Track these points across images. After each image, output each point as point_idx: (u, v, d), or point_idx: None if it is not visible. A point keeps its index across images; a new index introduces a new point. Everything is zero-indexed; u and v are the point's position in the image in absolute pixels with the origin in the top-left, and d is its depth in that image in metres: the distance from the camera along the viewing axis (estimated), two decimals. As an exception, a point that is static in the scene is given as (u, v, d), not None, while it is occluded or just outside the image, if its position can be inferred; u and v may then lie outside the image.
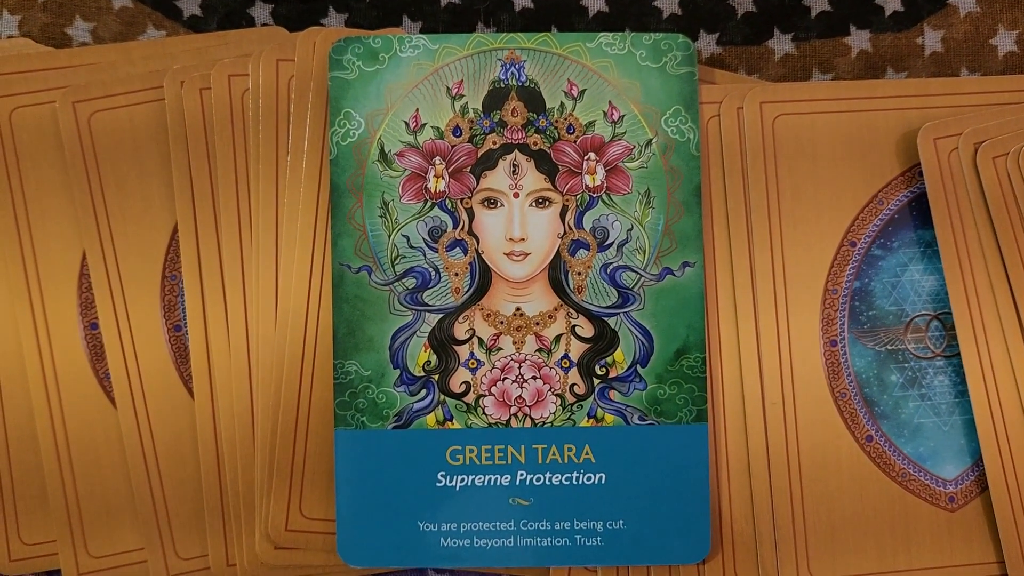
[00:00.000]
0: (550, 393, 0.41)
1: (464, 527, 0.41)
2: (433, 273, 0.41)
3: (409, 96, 0.41)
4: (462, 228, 0.41)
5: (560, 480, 0.41)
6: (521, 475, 0.41)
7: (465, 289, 0.41)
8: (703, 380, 0.41)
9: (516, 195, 0.41)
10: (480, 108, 0.42)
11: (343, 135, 0.41)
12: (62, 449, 0.42)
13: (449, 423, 0.41)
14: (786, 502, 0.42)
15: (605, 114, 0.42)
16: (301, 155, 0.42)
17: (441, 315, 0.41)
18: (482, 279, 0.41)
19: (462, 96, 0.42)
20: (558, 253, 0.41)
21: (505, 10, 0.45)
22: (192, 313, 0.42)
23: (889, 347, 0.43)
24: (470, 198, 0.41)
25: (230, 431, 0.42)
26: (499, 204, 0.41)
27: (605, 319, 0.41)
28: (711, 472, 0.42)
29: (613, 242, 0.42)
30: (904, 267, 0.43)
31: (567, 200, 0.41)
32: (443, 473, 0.41)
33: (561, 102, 0.42)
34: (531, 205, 0.41)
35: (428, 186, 0.41)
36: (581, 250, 0.42)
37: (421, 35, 0.42)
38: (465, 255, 0.41)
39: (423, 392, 0.41)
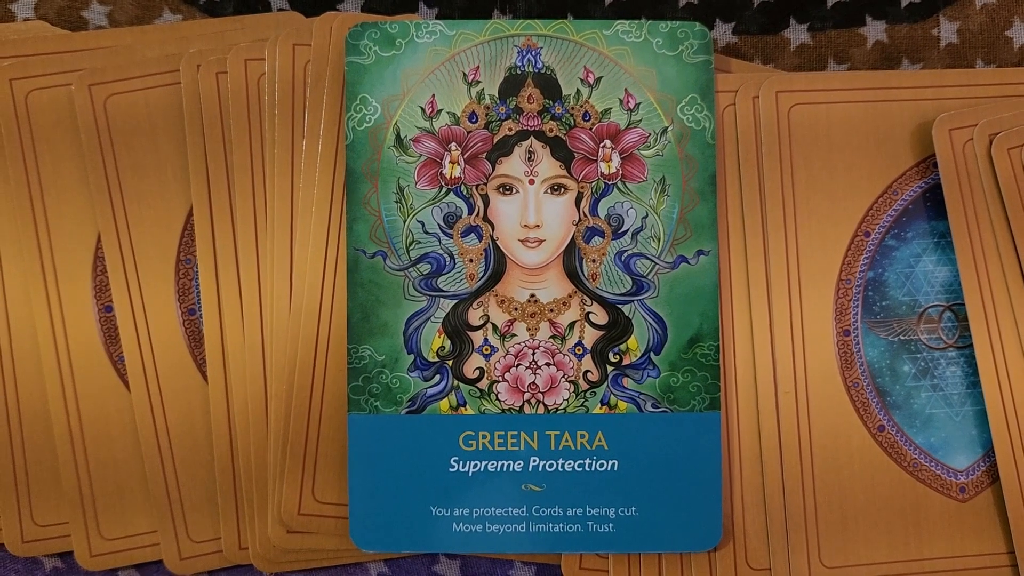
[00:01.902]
0: (563, 380, 0.41)
1: (476, 513, 0.41)
2: (448, 259, 0.41)
3: (425, 82, 0.41)
4: (477, 214, 0.41)
5: (573, 467, 0.41)
6: (534, 461, 0.41)
7: (480, 275, 0.41)
8: (716, 368, 0.41)
9: (531, 182, 0.41)
10: (496, 94, 0.42)
11: (359, 120, 0.41)
12: (75, 432, 0.42)
13: (462, 409, 0.41)
14: (798, 491, 0.42)
15: (621, 101, 0.42)
16: (317, 140, 0.42)
17: (455, 301, 0.41)
18: (497, 265, 0.41)
19: (478, 82, 0.42)
20: (573, 240, 0.42)
21: (521, -3, 0.45)
22: (206, 297, 0.42)
23: (902, 337, 0.43)
24: (485, 184, 0.41)
25: (243, 415, 0.42)
26: (514, 190, 0.41)
27: (619, 306, 0.41)
28: (723, 460, 0.42)
29: (628, 230, 0.42)
30: (918, 258, 0.43)
31: (582, 187, 0.42)
32: (456, 458, 0.41)
33: (577, 89, 0.42)
34: (546, 192, 0.41)
35: (444, 172, 0.41)
36: (596, 237, 0.42)
37: (438, 21, 0.42)
38: (480, 241, 0.41)
39: (437, 377, 0.41)
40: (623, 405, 0.41)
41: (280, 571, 0.43)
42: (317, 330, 0.41)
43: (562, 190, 0.42)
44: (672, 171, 0.42)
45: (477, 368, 0.41)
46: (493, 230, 0.41)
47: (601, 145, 0.42)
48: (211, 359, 0.42)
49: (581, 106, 0.42)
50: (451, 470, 0.41)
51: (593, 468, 0.41)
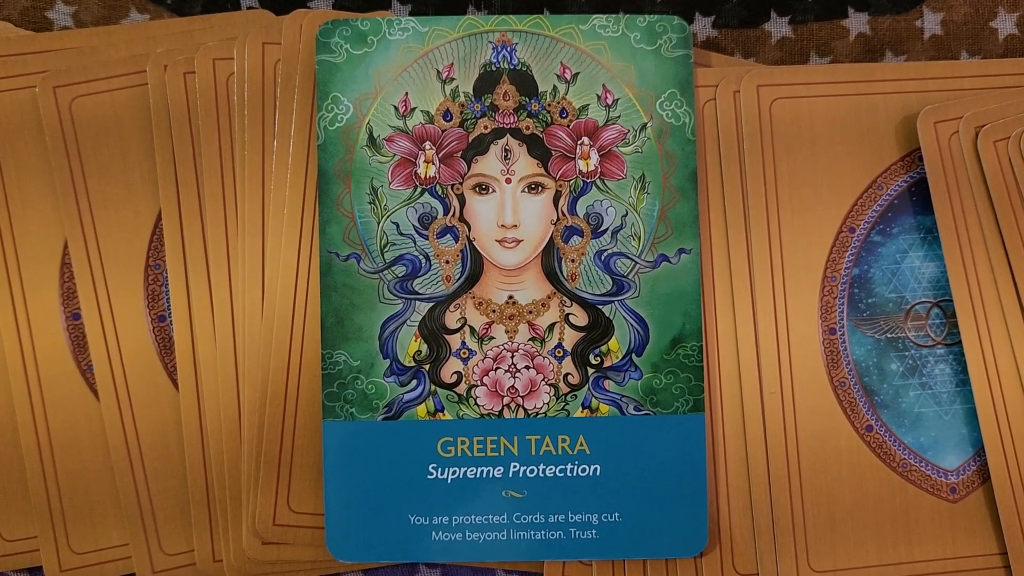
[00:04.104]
0: (543, 383, 0.40)
1: (456, 520, 0.40)
2: (423, 261, 0.41)
3: (398, 80, 0.41)
4: (453, 214, 0.41)
5: (554, 472, 0.40)
6: (514, 467, 0.40)
7: (456, 277, 0.41)
8: (700, 369, 0.40)
9: (508, 181, 0.41)
10: (471, 92, 0.41)
11: (331, 120, 0.40)
12: (44, 442, 0.41)
13: (440, 414, 0.40)
14: (785, 493, 0.41)
15: (599, 98, 0.41)
16: (288, 140, 0.41)
17: (432, 304, 0.40)
18: (473, 267, 0.41)
19: (452, 80, 0.41)
20: (551, 240, 0.41)
21: (496, -8, 0.44)
22: (177, 303, 0.41)
23: (889, 335, 0.42)
24: (461, 184, 0.41)
25: (216, 423, 0.41)
26: (491, 190, 0.41)
27: (599, 307, 0.41)
28: (708, 463, 0.41)
29: (607, 228, 0.41)
30: (904, 253, 0.42)
31: (560, 186, 0.41)
32: (434, 465, 0.40)
33: (554, 85, 0.41)
34: (523, 191, 0.41)
35: (418, 172, 0.41)
36: (575, 237, 0.41)
37: (410, 17, 0.41)
38: (456, 242, 0.41)
39: (413, 383, 0.40)
40: (605, 408, 0.40)
41: (256, 583, 0.42)
42: (290, 335, 0.41)
43: (539, 189, 0.41)
44: (652, 168, 0.41)
45: (455, 372, 0.40)
46: (469, 231, 0.41)
47: (579, 142, 0.41)
48: (182, 366, 0.41)
49: (558, 103, 0.41)
50: (429, 477, 0.40)
51: (575, 473, 0.40)
